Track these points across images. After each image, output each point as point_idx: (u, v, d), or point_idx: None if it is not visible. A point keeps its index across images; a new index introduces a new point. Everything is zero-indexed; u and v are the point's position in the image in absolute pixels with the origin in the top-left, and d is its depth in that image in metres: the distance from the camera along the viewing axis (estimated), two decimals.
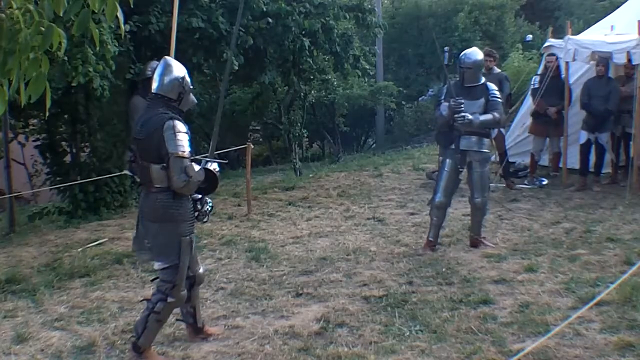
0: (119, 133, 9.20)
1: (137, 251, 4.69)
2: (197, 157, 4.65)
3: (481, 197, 6.79)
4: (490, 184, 9.52)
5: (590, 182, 9.40)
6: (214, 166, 4.54)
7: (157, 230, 4.38)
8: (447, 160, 6.70)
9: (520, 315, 4.95)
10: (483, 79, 6.79)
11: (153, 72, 6.53)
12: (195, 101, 4.64)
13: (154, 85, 4.44)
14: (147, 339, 4.41)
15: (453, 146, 6.63)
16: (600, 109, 9.05)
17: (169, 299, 4.39)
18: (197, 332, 4.81)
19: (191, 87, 4.54)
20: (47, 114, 4.34)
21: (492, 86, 6.81)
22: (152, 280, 4.59)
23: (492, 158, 10.56)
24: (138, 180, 6.30)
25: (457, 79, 6.92)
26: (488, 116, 6.56)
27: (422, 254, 6.63)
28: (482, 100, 6.64)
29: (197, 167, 4.34)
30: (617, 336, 4.48)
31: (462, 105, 6.41)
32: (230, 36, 9.59)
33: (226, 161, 6.37)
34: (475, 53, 6.83)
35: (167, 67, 4.45)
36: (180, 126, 4.29)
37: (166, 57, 4.58)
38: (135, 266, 6.51)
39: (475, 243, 6.85)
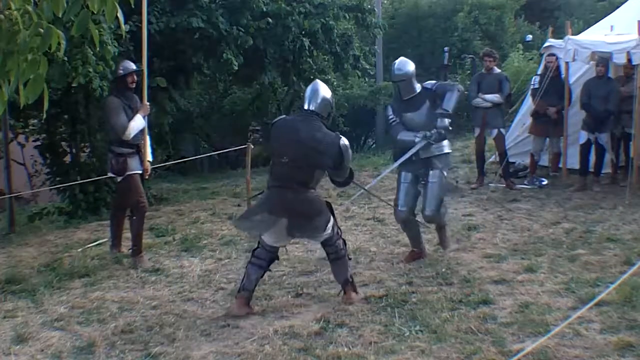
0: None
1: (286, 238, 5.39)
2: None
3: (430, 210, 6.34)
4: (490, 184, 9.61)
5: (590, 183, 9.39)
6: None
7: (315, 219, 5.21)
8: (403, 172, 6.43)
9: (520, 316, 4.95)
10: (419, 87, 6.34)
11: (125, 71, 6.58)
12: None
13: (306, 103, 5.23)
14: (347, 273, 5.40)
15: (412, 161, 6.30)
16: (600, 109, 9.05)
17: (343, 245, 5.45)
18: (248, 301, 5.25)
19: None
20: (45, 115, 4.35)
21: (432, 84, 6.45)
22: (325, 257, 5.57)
23: (492, 158, 10.63)
24: (118, 176, 6.66)
25: (395, 92, 6.56)
26: (443, 122, 6.23)
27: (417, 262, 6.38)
28: (426, 104, 6.28)
29: None
30: (617, 336, 4.48)
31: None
32: (230, 36, 9.61)
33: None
34: (405, 64, 6.34)
35: (319, 89, 5.24)
36: (346, 143, 5.20)
37: (317, 80, 5.45)
38: (135, 266, 6.51)
39: (413, 256, 6.43)
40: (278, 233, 5.24)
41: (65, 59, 7.04)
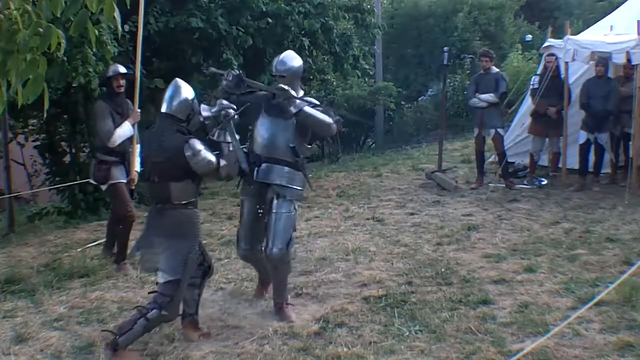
0: None
1: (142, 262, 4.88)
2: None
3: (277, 248, 5.03)
4: (490, 184, 9.61)
5: (590, 182, 9.40)
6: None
7: (168, 245, 4.56)
8: (246, 200, 5.35)
9: (520, 316, 4.96)
10: (301, 93, 5.33)
11: (114, 74, 6.34)
12: (201, 121, 4.77)
13: (164, 105, 4.65)
14: (127, 339, 4.48)
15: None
16: (600, 109, 9.04)
17: (163, 312, 4.50)
18: (195, 324, 4.85)
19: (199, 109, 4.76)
20: (45, 115, 4.34)
21: (310, 101, 5.28)
22: (150, 293, 4.66)
23: (492, 158, 10.63)
24: (100, 185, 6.35)
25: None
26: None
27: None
28: (294, 119, 5.11)
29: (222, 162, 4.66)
30: (617, 336, 4.49)
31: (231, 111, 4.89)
32: (229, 37, 9.63)
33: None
34: (291, 58, 5.30)
35: (177, 89, 4.68)
36: (197, 144, 4.52)
37: (177, 79, 4.80)
38: (135, 267, 6.51)
39: (280, 309, 5.17)
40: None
41: (65, 59, 7.05)
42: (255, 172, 5.14)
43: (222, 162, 4.64)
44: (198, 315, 4.90)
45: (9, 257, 7.14)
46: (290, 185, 5.13)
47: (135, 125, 6.37)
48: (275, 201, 5.10)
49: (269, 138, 5.15)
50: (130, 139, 6.32)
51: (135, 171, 6.41)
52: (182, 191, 4.56)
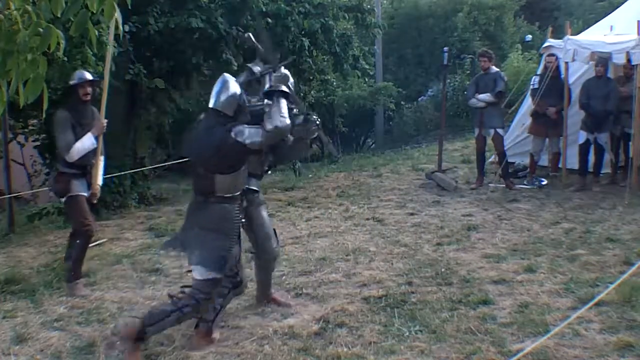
0: (118, 133, 9.18)
1: (168, 246, 4.84)
2: None
3: (277, 245, 5.40)
4: (490, 184, 9.62)
5: (590, 183, 9.40)
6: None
7: (208, 239, 4.50)
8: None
9: (520, 316, 4.96)
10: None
11: (80, 80, 5.88)
12: (249, 118, 4.62)
13: (212, 100, 4.60)
14: (156, 330, 4.50)
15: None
16: (600, 110, 9.05)
17: (201, 309, 4.55)
18: (208, 333, 4.79)
19: (247, 104, 4.66)
20: (45, 115, 4.30)
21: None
22: (182, 287, 4.65)
23: (492, 158, 10.64)
24: (60, 198, 6.02)
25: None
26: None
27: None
28: None
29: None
30: (617, 336, 4.49)
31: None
32: (230, 37, 9.62)
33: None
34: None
35: (224, 84, 4.60)
36: (239, 126, 4.47)
37: (225, 74, 4.71)
38: (135, 266, 6.51)
39: (273, 299, 5.45)
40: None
41: (65, 59, 7.03)
42: None
43: (265, 119, 4.52)
44: (214, 325, 4.81)
45: (9, 257, 7.14)
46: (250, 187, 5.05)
47: (100, 138, 5.93)
48: (256, 209, 5.18)
49: None
50: (94, 152, 5.91)
51: (98, 184, 6.04)
52: (227, 184, 4.54)
